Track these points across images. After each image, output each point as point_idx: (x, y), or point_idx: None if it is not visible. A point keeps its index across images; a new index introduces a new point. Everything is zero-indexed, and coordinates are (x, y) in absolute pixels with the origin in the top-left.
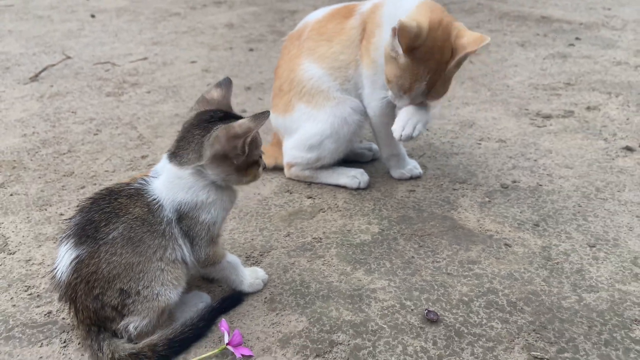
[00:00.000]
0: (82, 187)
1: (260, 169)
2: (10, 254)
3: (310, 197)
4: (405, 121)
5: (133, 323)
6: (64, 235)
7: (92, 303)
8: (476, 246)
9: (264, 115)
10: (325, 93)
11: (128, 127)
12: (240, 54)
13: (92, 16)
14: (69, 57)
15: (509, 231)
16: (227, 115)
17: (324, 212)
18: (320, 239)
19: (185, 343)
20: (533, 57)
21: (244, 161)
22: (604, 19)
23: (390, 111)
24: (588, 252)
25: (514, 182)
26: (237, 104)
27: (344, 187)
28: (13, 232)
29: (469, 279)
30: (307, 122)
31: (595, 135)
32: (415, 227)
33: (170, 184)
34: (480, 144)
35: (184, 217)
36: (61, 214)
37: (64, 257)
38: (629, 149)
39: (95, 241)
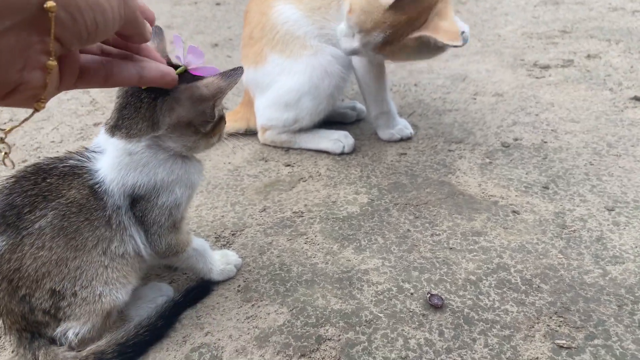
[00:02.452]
0: (24, 161)
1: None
2: None
3: (288, 165)
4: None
5: (72, 329)
6: None
7: (18, 306)
8: (480, 215)
9: (237, 72)
10: (301, 40)
11: (79, 91)
12: (206, 8)
13: None
14: None
15: (516, 196)
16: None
17: (304, 181)
18: (302, 213)
19: (141, 347)
20: (523, 5)
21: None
22: None
23: (379, 61)
24: (607, 216)
25: (516, 139)
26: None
27: (327, 152)
28: None
29: (474, 253)
30: (282, 75)
31: (599, 85)
32: (410, 196)
33: (117, 162)
34: (475, 99)
35: (137, 201)
36: None
37: None
38: (637, 99)
39: (17, 231)
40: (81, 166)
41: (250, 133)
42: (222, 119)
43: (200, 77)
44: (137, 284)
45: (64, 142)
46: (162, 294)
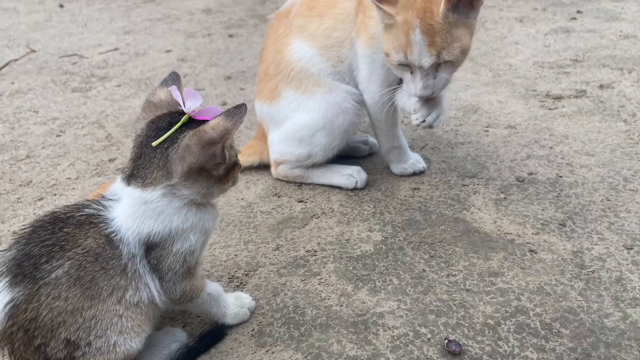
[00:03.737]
0: (40, 199)
1: (240, 167)
2: None
3: (301, 201)
4: (428, 109)
5: None
6: None
7: (33, 355)
8: (497, 254)
9: (240, 111)
10: (315, 77)
11: (95, 126)
12: (219, 40)
13: (61, 6)
14: (33, 51)
15: (533, 234)
16: (188, 118)
17: (317, 218)
18: (315, 251)
19: None
20: (534, 33)
21: (224, 168)
22: None
23: (391, 97)
24: (626, 255)
25: (531, 174)
26: (216, 96)
27: (339, 187)
28: None
29: (492, 295)
30: (297, 111)
31: (613, 116)
32: (424, 233)
33: (133, 211)
34: (487, 131)
35: (152, 249)
36: (14, 232)
37: None
38: None
39: (34, 281)
40: (97, 215)
41: (263, 166)
42: (235, 164)
43: (205, 121)
44: (151, 331)
45: (80, 178)
46: (175, 339)
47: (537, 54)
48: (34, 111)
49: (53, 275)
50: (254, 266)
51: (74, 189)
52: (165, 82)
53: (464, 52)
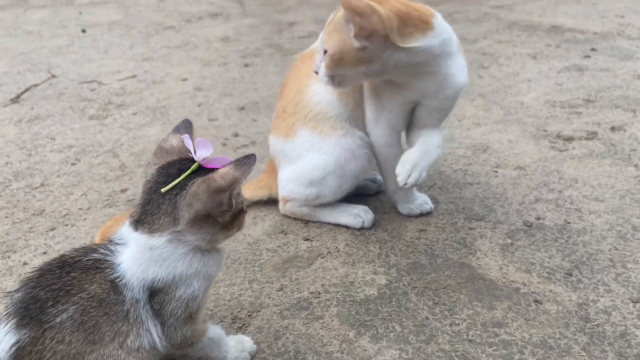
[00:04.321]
0: (52, 229)
1: (245, 213)
2: None
3: (307, 240)
4: (411, 166)
5: None
6: (5, 313)
7: None
8: (501, 303)
9: (249, 161)
10: (332, 121)
11: (109, 154)
12: (235, 69)
13: (83, 31)
14: (54, 76)
15: (538, 282)
16: (198, 166)
17: (322, 257)
18: (319, 293)
19: None
20: (547, 71)
21: (230, 215)
22: (618, 28)
23: (396, 139)
24: (631, 309)
25: (538, 219)
26: (229, 126)
27: (346, 226)
28: None
29: (495, 347)
30: (310, 151)
31: (624, 160)
32: (429, 278)
33: (139, 257)
34: (496, 171)
35: (156, 294)
36: (25, 263)
37: (3, 340)
38: None
39: (39, 324)
40: (104, 260)
41: (271, 201)
42: (241, 211)
43: (215, 169)
44: None
45: (91, 209)
46: None
47: (550, 92)
48: (51, 138)
49: (58, 319)
50: (257, 307)
51: (85, 219)
52: (177, 129)
53: (330, 55)
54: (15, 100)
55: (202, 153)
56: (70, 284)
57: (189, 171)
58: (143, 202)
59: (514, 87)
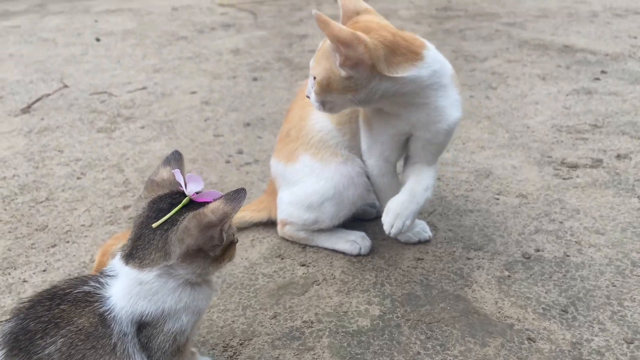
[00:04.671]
0: (53, 246)
1: (236, 245)
2: None
3: (303, 265)
4: (394, 216)
5: None
6: None
7: None
8: (494, 340)
9: (240, 195)
10: (332, 149)
11: (115, 169)
12: (244, 83)
13: (97, 40)
14: (66, 86)
15: (533, 319)
16: (189, 201)
17: (318, 284)
18: (312, 323)
19: None
20: (555, 93)
21: (220, 248)
22: (630, 49)
23: (390, 169)
24: (625, 350)
25: (538, 250)
26: (234, 143)
27: (343, 252)
28: None
29: None
30: (310, 177)
31: (627, 191)
32: (423, 311)
33: (128, 291)
34: (498, 199)
35: (144, 327)
36: (24, 281)
37: None
38: None
39: (28, 356)
40: (94, 293)
41: (270, 223)
42: (232, 243)
43: (206, 203)
44: None
45: (93, 225)
46: None
47: (557, 116)
48: (59, 150)
49: (46, 352)
50: (250, 335)
51: (86, 236)
52: (167, 161)
53: (319, 82)
54: (26, 110)
55: (192, 188)
56: (59, 317)
57: (179, 206)
58: (134, 237)
59: (521, 110)
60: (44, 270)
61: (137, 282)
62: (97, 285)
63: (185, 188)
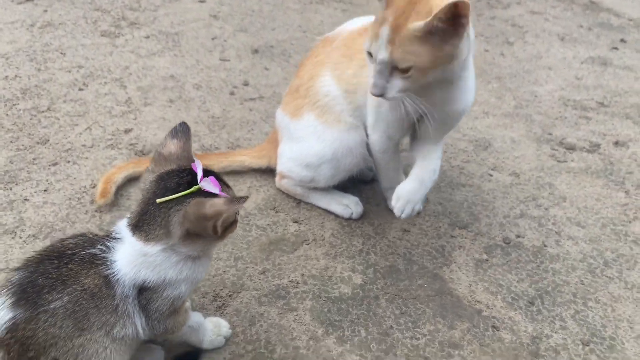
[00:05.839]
0: (54, 164)
1: (237, 222)
2: None
3: (296, 222)
4: (405, 202)
5: None
6: (4, 290)
7: None
8: (462, 323)
9: (240, 202)
10: (337, 114)
11: (117, 84)
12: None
13: None
14: None
15: (501, 307)
16: (195, 176)
17: (307, 244)
18: (298, 283)
19: None
20: (570, 59)
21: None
22: None
23: (392, 146)
24: (580, 351)
25: (518, 236)
26: (239, 71)
27: (335, 214)
28: None
29: None
30: (311, 136)
31: (617, 184)
32: (401, 285)
33: (133, 259)
34: (491, 175)
35: (144, 291)
36: (26, 199)
37: (0, 314)
38: None
39: (35, 307)
40: (100, 256)
41: (269, 171)
42: (234, 222)
43: (213, 194)
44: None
45: (94, 147)
46: (153, 357)
47: (566, 86)
48: (62, 52)
49: (52, 306)
50: (239, 288)
51: (87, 158)
52: (174, 133)
53: (417, 70)
54: None
55: (207, 186)
56: (67, 275)
57: (185, 192)
58: (140, 211)
59: (533, 74)
60: (45, 190)
61: (141, 254)
62: (104, 248)
63: (200, 180)
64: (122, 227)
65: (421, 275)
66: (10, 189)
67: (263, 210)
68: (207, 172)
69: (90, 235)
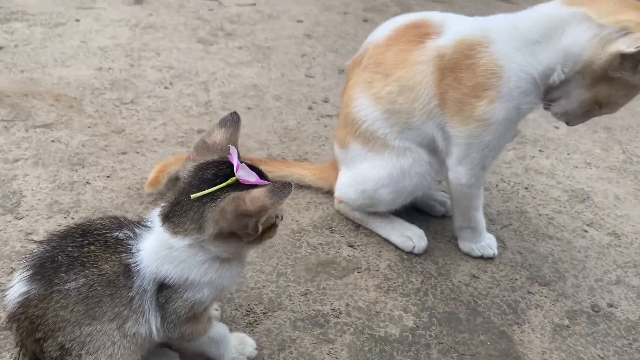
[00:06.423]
0: (123, 153)
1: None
2: (18, 218)
3: (351, 246)
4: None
5: None
6: (25, 262)
7: (32, 344)
8: None
9: (285, 190)
10: (382, 140)
11: (201, 87)
12: (353, 22)
13: None
14: None
15: None
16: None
17: (359, 272)
18: (340, 313)
19: None
20: None
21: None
22: None
23: (480, 181)
24: None
25: (610, 305)
26: (322, 88)
27: (395, 245)
28: (32, 190)
29: None
30: (363, 163)
31: None
32: (459, 338)
33: (157, 251)
34: (586, 231)
35: (165, 288)
36: (87, 182)
37: (16, 286)
38: None
39: (49, 284)
40: (125, 242)
41: (331, 193)
42: (274, 225)
43: (252, 186)
44: (142, 357)
45: (165, 142)
46: None
47: None
48: (157, 53)
49: (67, 286)
50: (276, 306)
51: (155, 151)
52: (223, 123)
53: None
54: (140, 0)
55: (243, 175)
56: (87, 256)
57: (222, 185)
58: (174, 201)
59: None
60: (108, 177)
61: (167, 246)
62: (131, 234)
63: (236, 170)
64: (154, 215)
65: (485, 330)
66: (76, 171)
67: (318, 228)
68: (251, 167)
69: (122, 219)
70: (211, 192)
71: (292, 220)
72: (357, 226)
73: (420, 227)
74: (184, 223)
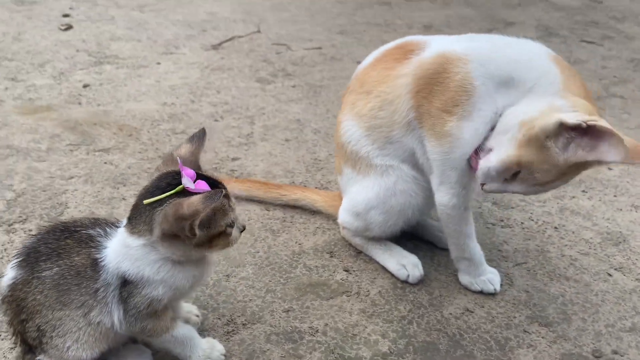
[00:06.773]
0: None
1: (235, 235)
2: None
3: (346, 271)
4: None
5: None
6: (17, 251)
7: (17, 325)
8: None
9: (216, 196)
10: (365, 159)
11: (247, 120)
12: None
13: None
14: (258, 31)
15: None
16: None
17: (347, 296)
18: (317, 331)
19: None
20: None
21: (201, 238)
22: None
23: (462, 201)
24: None
25: (615, 352)
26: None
27: (392, 273)
28: (76, 203)
29: None
30: (354, 186)
31: None
32: None
33: (119, 249)
34: (611, 275)
35: (127, 283)
36: (123, 198)
37: (9, 272)
38: None
39: (32, 271)
40: (96, 239)
41: None
42: (222, 234)
43: (197, 193)
44: (107, 349)
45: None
46: (141, 357)
47: None
48: (217, 91)
49: (44, 274)
50: (256, 319)
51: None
52: (192, 139)
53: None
54: (217, 46)
55: (187, 184)
56: (62, 249)
57: (170, 192)
58: (134, 205)
59: None
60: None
61: (125, 245)
62: (102, 232)
63: (182, 177)
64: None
65: None
66: (117, 189)
67: (319, 251)
68: (205, 178)
69: (100, 219)
70: (162, 198)
71: (295, 242)
72: (359, 253)
73: (424, 257)
74: (139, 225)
